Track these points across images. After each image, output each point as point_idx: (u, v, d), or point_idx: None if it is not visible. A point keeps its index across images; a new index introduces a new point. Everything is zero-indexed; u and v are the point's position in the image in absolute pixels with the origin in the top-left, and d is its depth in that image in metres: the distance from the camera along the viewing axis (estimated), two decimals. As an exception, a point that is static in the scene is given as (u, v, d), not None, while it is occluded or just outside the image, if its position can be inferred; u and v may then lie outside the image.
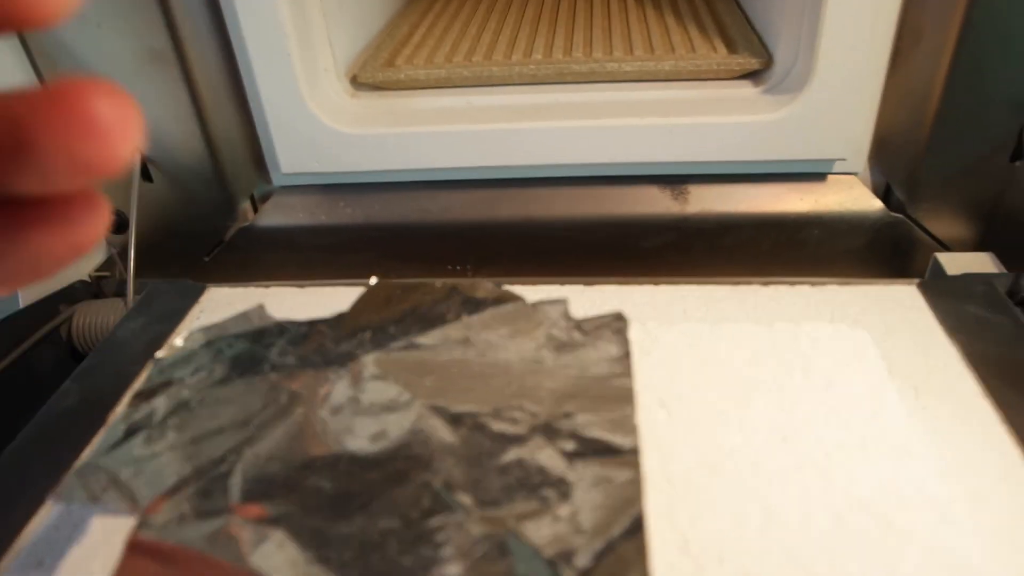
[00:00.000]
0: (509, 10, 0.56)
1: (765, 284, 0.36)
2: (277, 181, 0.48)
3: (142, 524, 0.22)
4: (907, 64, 0.41)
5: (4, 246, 0.12)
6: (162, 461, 0.24)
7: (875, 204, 0.44)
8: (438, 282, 0.32)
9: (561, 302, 0.29)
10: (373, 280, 0.32)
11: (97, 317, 0.44)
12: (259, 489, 0.23)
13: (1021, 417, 0.27)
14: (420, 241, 0.48)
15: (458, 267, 0.48)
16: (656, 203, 0.46)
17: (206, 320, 0.35)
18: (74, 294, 0.46)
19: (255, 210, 0.50)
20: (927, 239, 0.44)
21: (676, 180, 0.46)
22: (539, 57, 0.47)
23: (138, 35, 0.44)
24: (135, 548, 0.21)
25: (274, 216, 0.49)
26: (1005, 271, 0.40)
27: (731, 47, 0.46)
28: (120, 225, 0.48)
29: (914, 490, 0.21)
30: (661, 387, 0.25)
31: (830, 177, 0.45)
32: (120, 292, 0.47)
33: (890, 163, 0.44)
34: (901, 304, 0.34)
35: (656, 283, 0.37)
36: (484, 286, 0.31)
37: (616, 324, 0.28)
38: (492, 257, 0.48)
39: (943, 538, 0.19)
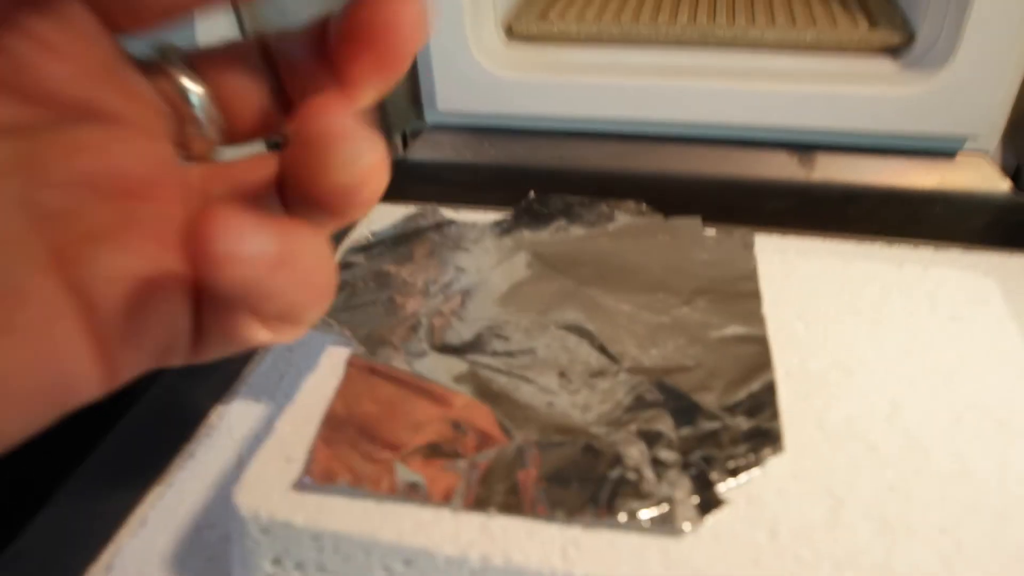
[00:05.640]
0: (653, -24, 0.59)
1: (890, 244, 0.39)
2: (430, 119, 0.53)
3: (357, 351, 0.27)
4: (1053, 48, 0.42)
5: None
6: (368, 312, 0.29)
7: (1003, 185, 0.46)
8: (586, 199, 0.36)
9: (696, 219, 0.33)
10: (531, 194, 0.36)
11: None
12: (448, 337, 0.27)
13: None
14: (555, 186, 0.52)
15: (586, 212, 0.52)
16: (783, 168, 0.48)
17: (375, 227, 0.40)
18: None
19: (404, 145, 0.55)
20: (1053, 223, 0.45)
21: (804, 147, 0.48)
22: (684, 20, 0.50)
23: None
24: (354, 364, 0.26)
25: (423, 151, 0.54)
26: None
27: (872, 22, 0.48)
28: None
29: (1029, 405, 0.23)
30: (800, 304, 0.28)
31: (960, 155, 0.46)
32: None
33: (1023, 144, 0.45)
34: (1022, 268, 0.36)
35: (784, 234, 0.40)
36: (626, 205, 0.35)
37: (744, 239, 0.32)
38: (619, 205, 0.51)
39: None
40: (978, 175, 0.46)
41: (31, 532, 0.26)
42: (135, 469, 0.29)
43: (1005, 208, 0.46)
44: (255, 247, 0.12)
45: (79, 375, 0.14)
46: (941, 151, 0.46)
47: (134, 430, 0.31)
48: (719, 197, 0.50)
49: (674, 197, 0.51)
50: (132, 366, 0.15)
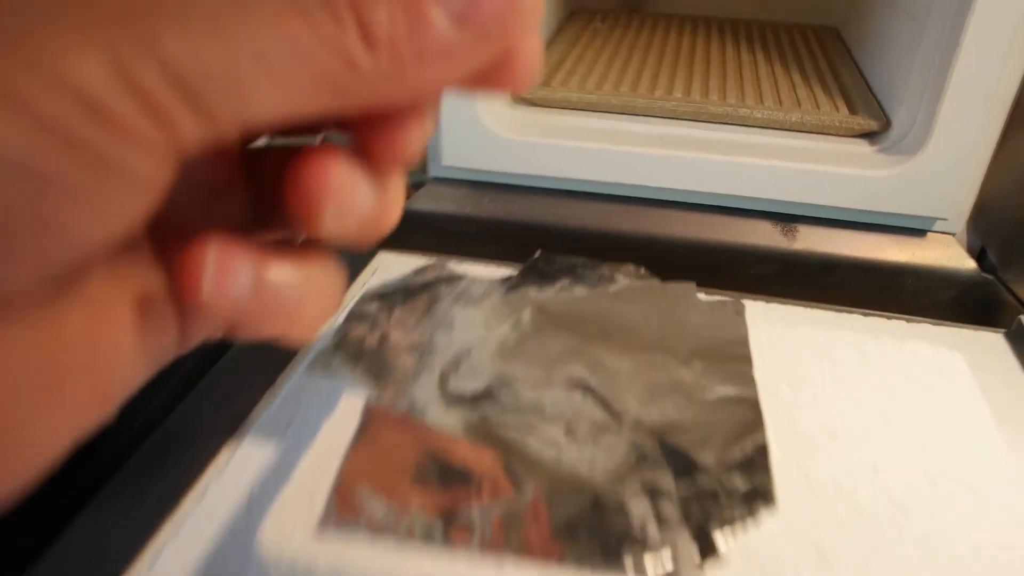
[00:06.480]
0: (649, 50, 0.62)
1: (865, 315, 0.42)
2: (433, 172, 0.55)
3: (374, 399, 0.28)
4: (1014, 142, 0.46)
5: None
6: (380, 362, 0.30)
7: (968, 264, 0.49)
8: (589, 262, 0.38)
9: (690, 285, 0.35)
10: (537, 253, 0.38)
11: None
12: (460, 389, 0.29)
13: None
14: (550, 242, 0.54)
15: (578, 269, 0.54)
16: (767, 236, 0.51)
17: (381, 277, 0.42)
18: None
19: (407, 195, 0.57)
20: (1013, 301, 0.48)
21: (788, 218, 0.51)
22: (679, 95, 0.53)
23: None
24: (371, 411, 0.28)
25: (425, 202, 0.56)
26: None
27: (852, 108, 0.52)
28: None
29: (997, 474, 0.26)
30: (786, 371, 0.30)
31: (930, 234, 0.50)
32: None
33: (988, 228, 0.49)
34: (989, 347, 0.39)
35: (768, 301, 0.43)
36: (626, 268, 0.37)
37: (736, 306, 0.34)
38: (610, 264, 0.54)
39: (1015, 506, 0.24)
40: (946, 254, 0.49)
41: (40, 568, 0.27)
42: (145, 505, 0.30)
43: (970, 285, 0.49)
44: (231, 290, 0.13)
45: (167, 336, 0.15)
46: (912, 229, 0.50)
47: (143, 467, 0.32)
48: (706, 260, 0.52)
49: (664, 258, 0.54)
50: (201, 333, 0.16)
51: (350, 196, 0.14)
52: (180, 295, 0.13)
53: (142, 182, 0.11)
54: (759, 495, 0.24)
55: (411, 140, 0.14)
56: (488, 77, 0.13)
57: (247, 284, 0.13)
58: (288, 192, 0.13)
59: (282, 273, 0.14)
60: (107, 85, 0.10)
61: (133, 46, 0.10)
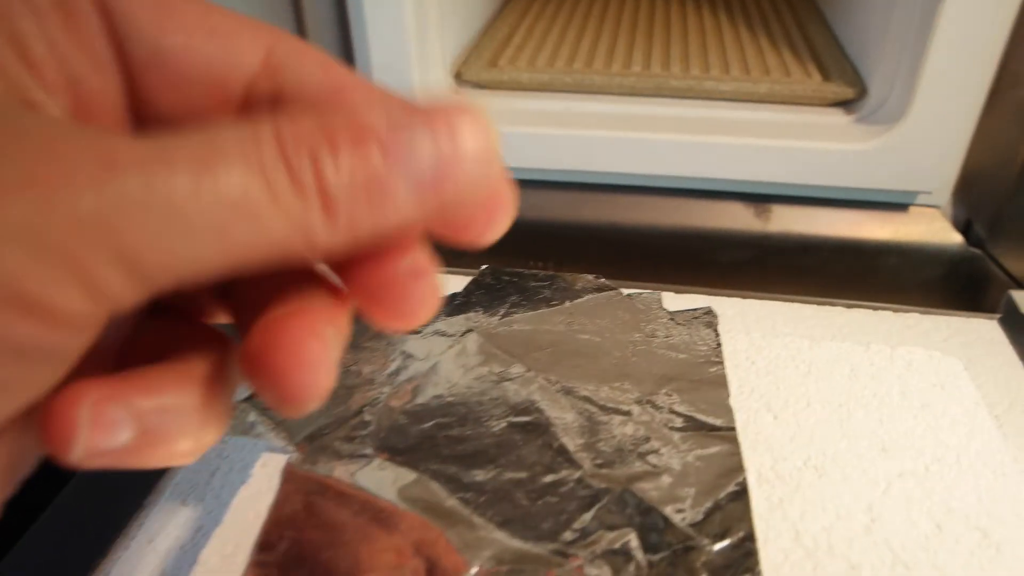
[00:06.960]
0: (604, 18, 0.58)
1: (849, 307, 0.38)
2: (377, 167, 0.51)
3: (295, 460, 0.24)
4: (1002, 106, 0.42)
5: None
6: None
7: (955, 238, 0.46)
8: (540, 273, 0.34)
9: (656, 294, 0.32)
10: (483, 267, 0.34)
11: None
12: (396, 438, 0.25)
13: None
14: (507, 235, 0.50)
15: (540, 264, 0.50)
16: (739, 219, 0.48)
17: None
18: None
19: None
20: (1003, 275, 0.45)
21: (760, 199, 0.48)
22: (638, 69, 0.49)
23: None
24: (291, 477, 0.24)
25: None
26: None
27: (825, 74, 0.48)
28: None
29: (1008, 507, 0.22)
30: (768, 394, 0.27)
31: (912, 208, 0.46)
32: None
33: (975, 199, 0.45)
34: (982, 337, 0.35)
35: (744, 296, 0.39)
36: (583, 278, 0.33)
37: (707, 318, 0.31)
38: (574, 257, 0.50)
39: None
40: (930, 228, 0.46)
41: None
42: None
43: (957, 261, 0.46)
44: (106, 447, 0.11)
45: None
46: (894, 204, 0.46)
47: (37, 545, 0.28)
48: (675, 248, 0.49)
49: (629, 248, 0.50)
50: None
51: (334, 369, 0.12)
52: (50, 453, 0.11)
53: (72, 353, 0.10)
54: (742, 566, 0.21)
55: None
56: (457, 230, 0.13)
57: (127, 437, 0.12)
58: (258, 370, 0.11)
59: (169, 410, 0.12)
60: (36, 270, 0.09)
61: (64, 217, 0.09)
